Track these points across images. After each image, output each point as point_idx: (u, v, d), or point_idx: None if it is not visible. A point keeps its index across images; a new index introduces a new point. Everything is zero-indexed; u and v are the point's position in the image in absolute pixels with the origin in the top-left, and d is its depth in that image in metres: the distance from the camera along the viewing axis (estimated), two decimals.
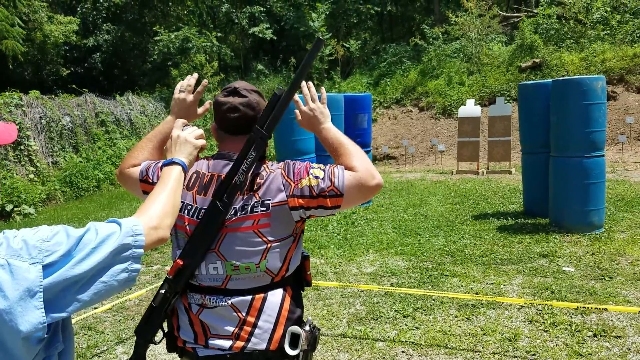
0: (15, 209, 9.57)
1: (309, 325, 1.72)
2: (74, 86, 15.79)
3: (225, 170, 1.67)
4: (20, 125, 11.13)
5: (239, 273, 1.63)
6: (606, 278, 5.14)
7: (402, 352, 3.96)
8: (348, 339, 4.22)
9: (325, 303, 4.96)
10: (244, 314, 1.63)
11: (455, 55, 18.33)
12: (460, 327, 4.30)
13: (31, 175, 10.88)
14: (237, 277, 1.63)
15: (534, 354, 3.78)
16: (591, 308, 4.07)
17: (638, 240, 6.25)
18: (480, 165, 12.90)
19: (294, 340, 1.66)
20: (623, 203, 8.07)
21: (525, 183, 7.88)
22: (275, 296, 1.67)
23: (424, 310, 4.69)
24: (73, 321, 4.58)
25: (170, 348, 1.76)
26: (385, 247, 6.64)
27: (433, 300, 4.87)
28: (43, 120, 12.10)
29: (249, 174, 1.64)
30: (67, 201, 11.37)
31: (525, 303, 4.41)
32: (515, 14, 19.79)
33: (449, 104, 16.86)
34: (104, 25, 22.50)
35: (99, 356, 4.16)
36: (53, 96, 13.35)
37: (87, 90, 14.90)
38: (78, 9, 22.84)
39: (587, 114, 6.41)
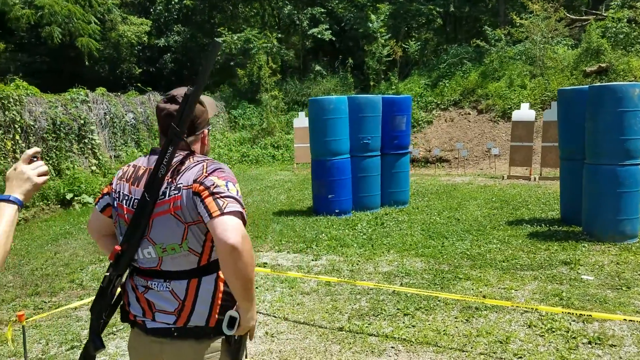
0: (76, 198, 10.36)
1: None
2: (138, 84, 16.74)
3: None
4: (85, 120, 11.98)
5: (167, 254, 1.83)
6: (623, 288, 5.00)
7: (392, 347, 4.07)
8: (344, 332, 4.37)
9: (333, 298, 5.13)
10: (182, 299, 1.84)
11: (519, 57, 17.85)
12: (457, 327, 4.35)
13: (93, 167, 11.71)
14: (167, 257, 1.84)
15: (520, 357, 3.79)
16: (590, 316, 4.01)
17: None
18: (532, 171, 12.54)
19: (232, 322, 1.84)
20: None
21: (562, 190, 7.68)
22: (208, 283, 1.86)
23: (426, 310, 4.75)
24: (58, 310, 5.00)
25: (123, 319, 2.00)
26: (407, 249, 6.70)
27: (438, 301, 4.92)
28: (107, 116, 12.97)
29: (170, 166, 1.83)
30: None
31: (512, 306, 4.39)
32: (584, 17, 18.98)
33: (509, 107, 16.43)
34: (175, 26, 23.58)
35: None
36: (119, 94, 14.24)
37: (151, 89, 15.77)
38: (151, 10, 24.06)
39: (622, 121, 6.20)
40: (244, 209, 1.76)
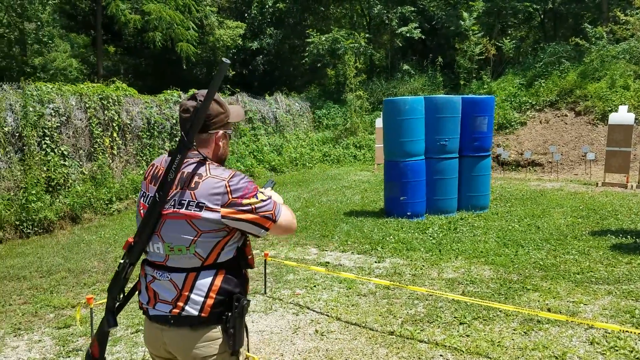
0: None
1: (240, 297, 2.03)
2: (228, 86, 17.42)
3: None
4: (177, 119, 12.70)
5: (174, 253, 1.98)
6: None
7: (440, 355, 3.98)
8: (394, 336, 4.33)
9: (389, 302, 5.09)
10: (180, 288, 1.98)
11: (622, 56, 16.62)
12: (513, 339, 4.17)
13: None
14: (173, 256, 1.98)
15: None
16: None
17: None
18: (630, 178, 11.64)
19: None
20: None
21: None
22: (206, 276, 1.99)
23: (484, 320, 4.59)
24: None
25: (140, 307, 2.18)
26: (476, 256, 6.48)
27: (499, 311, 4.74)
28: None
29: (181, 173, 1.96)
30: None
31: (567, 320, 4.13)
32: None
33: (610, 109, 15.36)
34: (268, 29, 24.29)
35: None
36: None
37: (239, 89, 16.38)
38: (246, 15, 24.95)
39: None
40: (270, 198, 2.04)
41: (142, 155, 11.78)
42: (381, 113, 16.00)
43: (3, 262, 6.97)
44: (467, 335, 4.29)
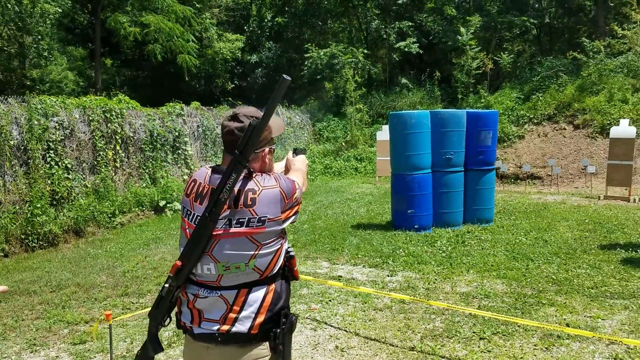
0: (168, 205, 10.99)
1: (288, 313, 2.02)
2: (229, 99, 17.48)
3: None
4: (180, 132, 12.68)
5: (230, 272, 1.92)
6: None
7: None
8: (415, 352, 4.29)
9: (406, 316, 5.06)
10: (230, 304, 1.93)
11: (620, 70, 16.79)
12: (535, 355, 4.15)
13: (185, 177, 12.36)
14: (228, 275, 1.93)
15: None
16: None
17: None
18: (632, 192, 11.70)
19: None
20: None
21: None
22: (259, 292, 1.95)
23: (504, 335, 4.57)
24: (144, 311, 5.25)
25: (178, 326, 2.13)
26: (488, 269, 6.47)
27: (517, 326, 4.72)
28: (200, 129, 13.68)
29: (232, 191, 1.90)
30: None
31: (593, 336, 4.11)
32: None
33: (609, 122, 15.48)
34: (267, 43, 24.40)
35: None
36: (211, 107, 14.95)
37: (241, 102, 16.39)
38: (245, 28, 25.06)
39: None
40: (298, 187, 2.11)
41: (144, 167, 11.73)
42: (381, 126, 16.08)
43: (12, 276, 6.89)
44: (489, 351, 4.27)
